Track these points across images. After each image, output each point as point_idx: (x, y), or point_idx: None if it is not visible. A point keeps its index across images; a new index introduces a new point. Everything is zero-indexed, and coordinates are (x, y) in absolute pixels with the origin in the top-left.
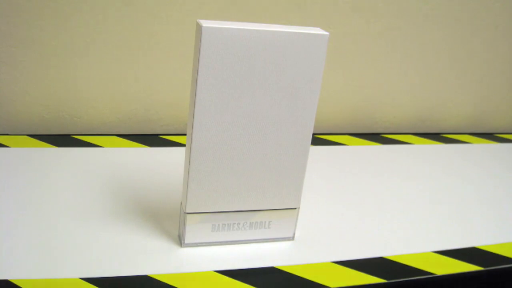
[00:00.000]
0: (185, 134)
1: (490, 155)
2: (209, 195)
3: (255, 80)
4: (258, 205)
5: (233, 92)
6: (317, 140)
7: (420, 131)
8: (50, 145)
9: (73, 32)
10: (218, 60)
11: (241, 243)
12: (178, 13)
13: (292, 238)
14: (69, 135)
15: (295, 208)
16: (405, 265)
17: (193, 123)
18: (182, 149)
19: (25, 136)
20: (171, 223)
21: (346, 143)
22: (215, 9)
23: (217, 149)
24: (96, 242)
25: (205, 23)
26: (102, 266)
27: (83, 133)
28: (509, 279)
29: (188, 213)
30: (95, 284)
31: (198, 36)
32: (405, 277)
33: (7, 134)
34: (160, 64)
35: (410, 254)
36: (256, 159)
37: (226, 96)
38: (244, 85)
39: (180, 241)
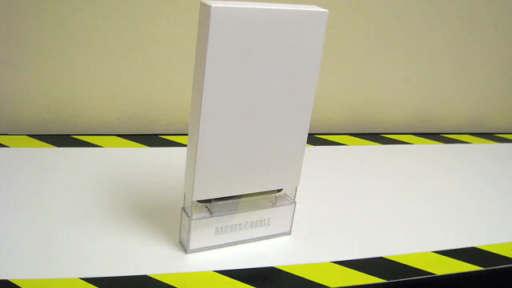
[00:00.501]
0: (185, 134)
1: (490, 155)
2: (215, 181)
3: (260, 60)
4: (262, 187)
5: (240, 73)
6: (317, 140)
7: (420, 131)
8: (50, 145)
9: (73, 32)
10: (225, 41)
11: (242, 243)
12: (177, 13)
13: (289, 233)
14: (69, 135)
15: (293, 203)
16: (405, 265)
17: (200, 107)
18: (182, 149)
19: (25, 136)
20: (172, 222)
21: (346, 143)
22: None
23: (223, 133)
24: (96, 242)
25: (212, 3)
26: (102, 266)
27: (83, 133)
28: (509, 279)
29: (193, 220)
30: (95, 284)
31: (205, 16)
32: (405, 277)
33: (7, 134)
34: (160, 64)
35: (410, 254)
36: (260, 140)
37: (233, 78)
38: (250, 65)
39: (184, 247)
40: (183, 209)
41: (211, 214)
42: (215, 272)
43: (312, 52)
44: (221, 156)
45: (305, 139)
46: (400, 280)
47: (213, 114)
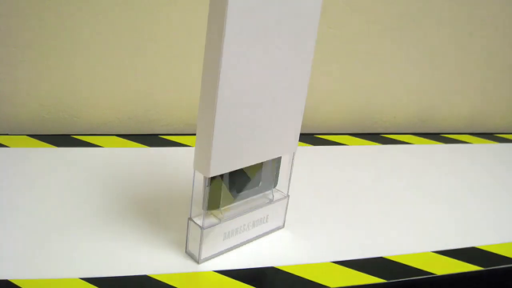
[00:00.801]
0: (185, 134)
1: (490, 155)
2: (229, 152)
3: (271, 29)
4: (268, 155)
5: (255, 43)
6: (317, 140)
7: (420, 131)
8: (50, 145)
9: (73, 32)
10: (243, 11)
11: (245, 244)
12: (177, 13)
13: (283, 226)
14: (69, 135)
15: (286, 197)
16: (405, 265)
17: (218, 80)
18: (182, 149)
19: (25, 136)
20: (172, 223)
21: (346, 143)
22: None
23: (238, 102)
24: (96, 243)
25: None
26: (102, 266)
27: (83, 133)
28: (509, 279)
29: (204, 229)
30: (95, 284)
31: None
32: (405, 277)
33: (7, 134)
34: (160, 64)
35: (410, 254)
36: (268, 107)
37: (249, 49)
38: (263, 34)
39: (194, 258)
40: (190, 219)
41: (220, 220)
42: (215, 272)
43: (310, 19)
44: (236, 125)
45: (303, 106)
46: (400, 280)
47: (230, 81)
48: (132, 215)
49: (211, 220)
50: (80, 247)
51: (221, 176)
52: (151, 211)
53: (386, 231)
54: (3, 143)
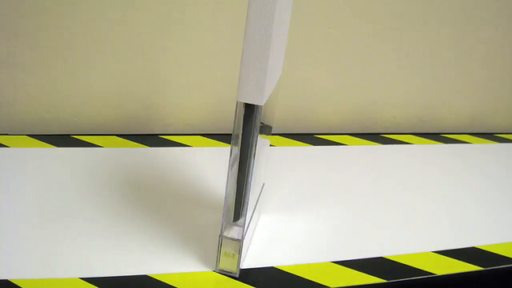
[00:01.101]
0: (185, 134)
1: (490, 155)
2: (268, 79)
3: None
4: (276, 79)
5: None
6: (317, 140)
7: (420, 131)
8: (50, 145)
9: (73, 32)
10: None
11: (251, 242)
12: (177, 13)
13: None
14: (69, 135)
15: (263, 185)
16: (405, 265)
17: (274, 15)
18: (182, 149)
19: (25, 136)
20: (172, 222)
21: (346, 143)
22: (214, 9)
23: (275, 34)
24: (97, 243)
25: None
26: (102, 266)
27: (83, 133)
28: (509, 279)
29: (243, 240)
30: (95, 284)
31: None
32: (405, 277)
33: (7, 134)
34: (160, 63)
35: (410, 254)
36: (280, 40)
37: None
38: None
39: (231, 273)
40: (223, 236)
41: (244, 226)
42: (215, 272)
43: None
44: (273, 51)
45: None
46: (400, 280)
47: (277, 18)
48: (132, 215)
49: (238, 228)
50: (80, 247)
51: (245, 182)
52: (151, 211)
53: (386, 231)
54: (3, 143)
